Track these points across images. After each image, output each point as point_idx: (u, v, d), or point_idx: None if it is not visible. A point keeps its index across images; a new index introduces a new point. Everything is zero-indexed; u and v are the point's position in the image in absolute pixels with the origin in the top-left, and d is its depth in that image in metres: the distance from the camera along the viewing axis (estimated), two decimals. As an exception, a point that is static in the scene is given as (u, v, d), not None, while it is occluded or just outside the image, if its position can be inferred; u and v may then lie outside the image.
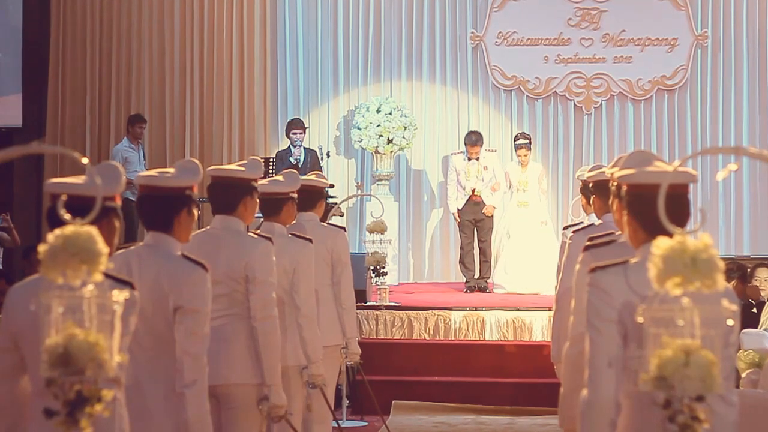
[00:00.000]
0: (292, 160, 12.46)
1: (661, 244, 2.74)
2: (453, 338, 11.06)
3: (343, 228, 7.44)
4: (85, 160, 2.95)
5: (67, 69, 14.45)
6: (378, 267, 11.13)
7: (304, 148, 12.84)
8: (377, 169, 13.86)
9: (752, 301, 9.52)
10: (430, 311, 11.26)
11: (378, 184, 13.79)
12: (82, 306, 2.75)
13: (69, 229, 2.80)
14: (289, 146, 12.86)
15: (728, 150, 3.00)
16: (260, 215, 6.18)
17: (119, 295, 2.85)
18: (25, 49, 14.24)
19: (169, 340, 4.38)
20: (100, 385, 2.76)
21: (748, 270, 9.98)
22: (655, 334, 2.69)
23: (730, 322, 2.79)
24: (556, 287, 6.52)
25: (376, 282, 11.28)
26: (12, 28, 14.14)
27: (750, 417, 4.49)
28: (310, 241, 6.34)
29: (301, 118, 13.56)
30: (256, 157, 5.85)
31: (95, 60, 14.51)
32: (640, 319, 2.74)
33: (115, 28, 14.52)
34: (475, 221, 12.88)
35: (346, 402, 9.25)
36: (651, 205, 2.99)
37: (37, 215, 13.59)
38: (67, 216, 2.86)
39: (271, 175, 10.71)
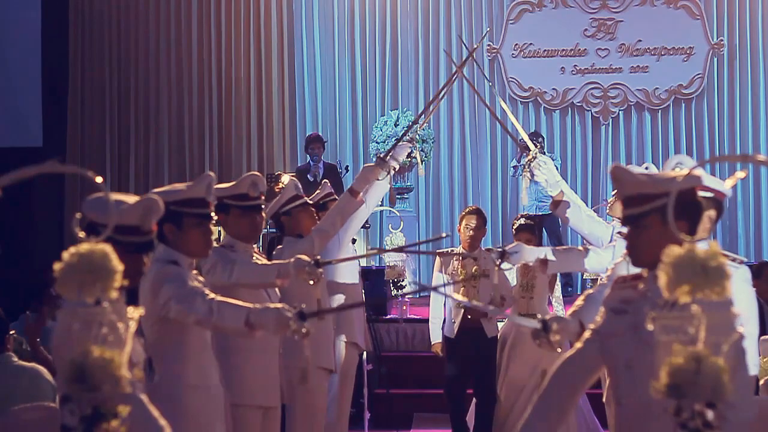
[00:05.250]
0: (309, 177, 12.47)
1: (670, 252, 2.75)
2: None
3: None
4: (99, 179, 2.98)
5: (86, 89, 14.55)
6: (397, 280, 11.12)
7: (323, 162, 12.86)
8: (396, 183, 13.84)
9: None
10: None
11: (397, 198, 13.77)
12: (98, 323, 2.78)
13: (84, 247, 2.83)
14: (308, 161, 12.90)
15: (735, 158, 3.01)
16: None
17: (134, 312, 2.88)
18: (45, 70, 14.31)
19: (159, 341, 4.40)
20: (116, 401, 2.78)
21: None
22: (666, 342, 2.69)
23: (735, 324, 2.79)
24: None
25: (395, 295, 11.27)
26: (31, 51, 14.21)
27: None
28: None
29: (320, 134, 13.59)
30: (255, 173, 5.71)
31: (114, 80, 14.61)
32: (649, 327, 2.74)
33: (132, 48, 14.63)
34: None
35: (367, 415, 9.24)
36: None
37: (58, 234, 13.65)
38: (81, 234, 2.89)
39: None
